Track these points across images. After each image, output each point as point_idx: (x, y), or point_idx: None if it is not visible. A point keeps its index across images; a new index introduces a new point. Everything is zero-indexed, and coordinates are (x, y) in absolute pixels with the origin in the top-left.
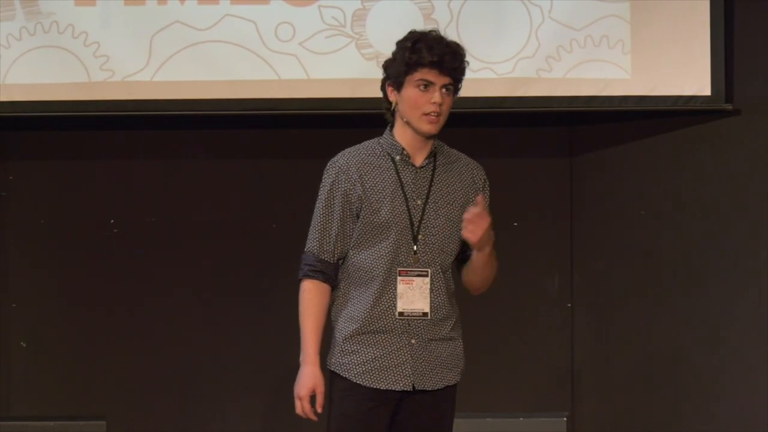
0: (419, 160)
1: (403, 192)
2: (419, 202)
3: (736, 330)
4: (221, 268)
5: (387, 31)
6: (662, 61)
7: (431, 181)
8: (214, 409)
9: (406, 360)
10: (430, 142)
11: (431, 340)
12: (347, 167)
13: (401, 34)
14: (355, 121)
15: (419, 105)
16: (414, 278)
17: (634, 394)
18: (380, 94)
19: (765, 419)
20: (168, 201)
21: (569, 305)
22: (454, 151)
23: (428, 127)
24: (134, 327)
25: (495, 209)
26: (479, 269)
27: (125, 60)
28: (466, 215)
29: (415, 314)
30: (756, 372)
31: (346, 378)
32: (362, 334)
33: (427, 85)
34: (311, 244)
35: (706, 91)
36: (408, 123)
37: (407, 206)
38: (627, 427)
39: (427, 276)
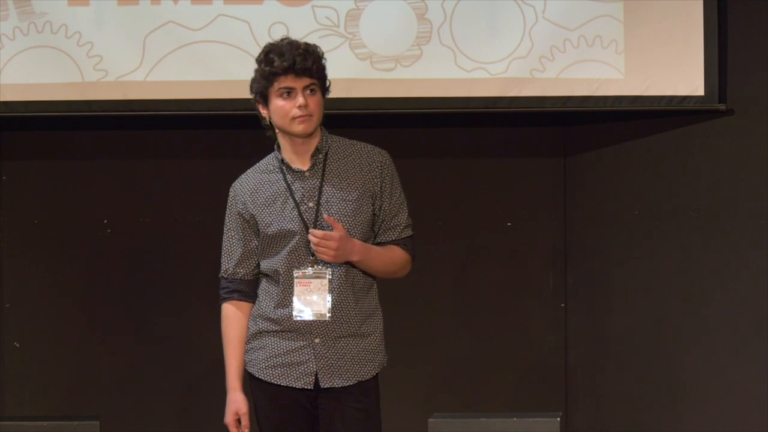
0: (306, 163)
1: (293, 198)
2: (311, 204)
3: (731, 330)
4: (215, 268)
5: (381, 31)
6: (656, 61)
7: (321, 180)
8: (209, 410)
9: (309, 359)
10: (314, 143)
11: (338, 337)
12: (240, 189)
13: (395, 34)
14: (350, 120)
15: (287, 112)
16: (311, 280)
17: (628, 395)
18: (375, 94)
19: (759, 419)
20: (161, 201)
21: (563, 305)
22: (353, 142)
23: (301, 127)
24: (128, 327)
25: (489, 209)
26: (370, 270)
27: (119, 60)
28: (311, 239)
29: (312, 316)
30: (751, 372)
31: (254, 375)
32: (267, 332)
33: (290, 91)
34: (222, 267)
35: (700, 91)
36: (283, 131)
37: (299, 211)
38: (620, 427)
39: (324, 277)
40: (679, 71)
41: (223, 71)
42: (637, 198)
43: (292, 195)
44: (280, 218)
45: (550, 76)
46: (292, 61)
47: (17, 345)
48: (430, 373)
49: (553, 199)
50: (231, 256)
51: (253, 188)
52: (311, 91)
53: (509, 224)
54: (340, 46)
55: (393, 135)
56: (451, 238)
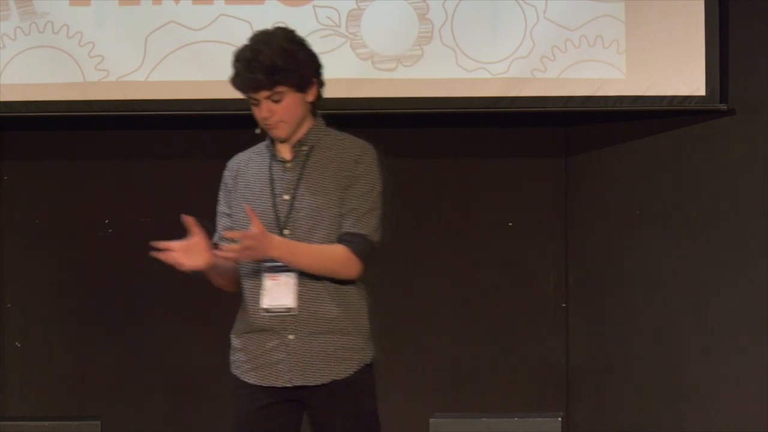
0: (288, 154)
1: (272, 188)
2: (286, 197)
3: (732, 330)
4: None
5: (382, 31)
6: (657, 61)
7: (300, 174)
8: (210, 410)
9: (283, 357)
10: (297, 136)
11: (314, 333)
12: (231, 166)
13: (396, 33)
14: (351, 121)
15: (259, 120)
16: (280, 274)
17: (629, 395)
18: (376, 94)
19: (761, 420)
20: (163, 201)
21: (564, 305)
22: (345, 136)
23: (275, 133)
24: (129, 327)
25: (491, 209)
26: (296, 266)
27: (120, 60)
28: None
29: (279, 310)
30: (752, 372)
31: (236, 376)
32: (243, 332)
33: (256, 102)
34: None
35: (701, 91)
36: None
37: (273, 202)
38: (622, 428)
39: (292, 271)
40: (680, 71)
41: (224, 71)
42: (638, 198)
43: (271, 184)
44: (253, 206)
45: (551, 76)
46: (242, 78)
47: (18, 345)
48: (431, 373)
49: (554, 199)
50: (219, 227)
51: (240, 170)
52: (275, 100)
53: (510, 224)
54: (341, 46)
55: (394, 135)
56: (452, 238)
